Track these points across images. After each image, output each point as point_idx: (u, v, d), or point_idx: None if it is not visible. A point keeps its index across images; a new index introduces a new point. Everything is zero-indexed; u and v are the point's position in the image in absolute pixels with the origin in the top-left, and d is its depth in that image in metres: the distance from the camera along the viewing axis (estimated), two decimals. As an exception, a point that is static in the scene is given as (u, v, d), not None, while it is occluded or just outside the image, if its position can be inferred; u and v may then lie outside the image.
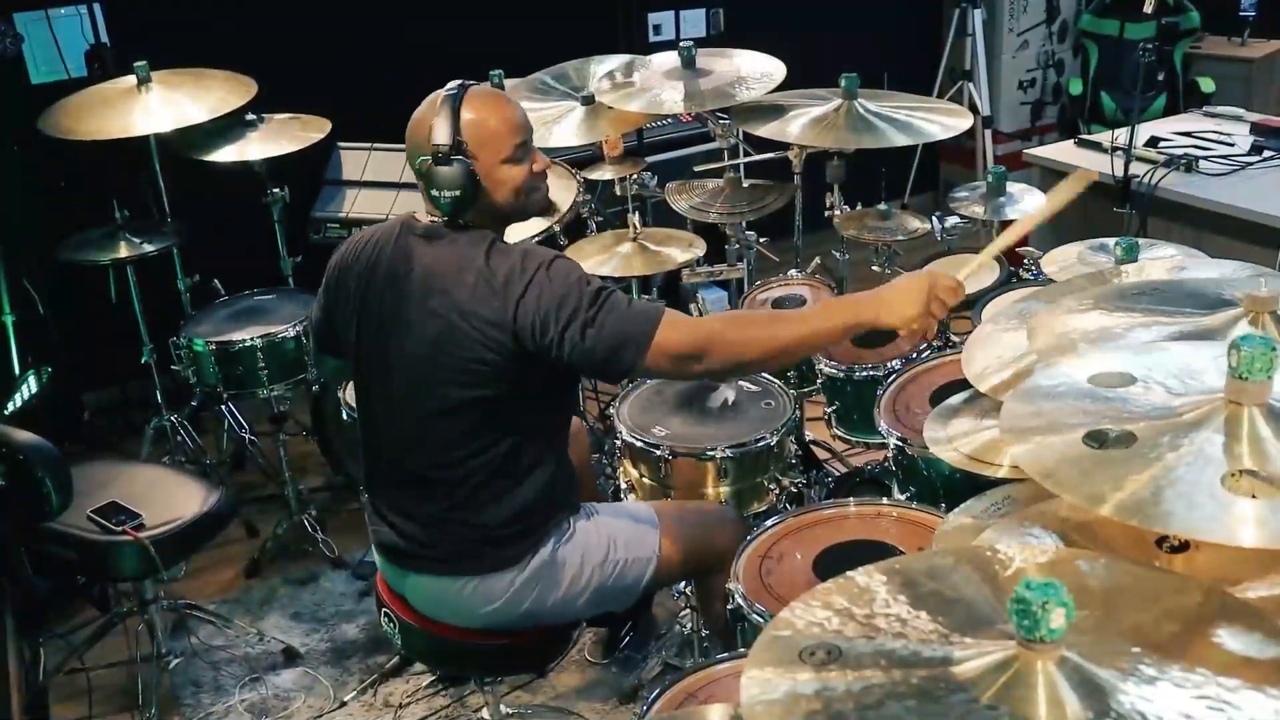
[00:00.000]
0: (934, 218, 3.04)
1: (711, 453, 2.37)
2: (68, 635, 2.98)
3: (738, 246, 3.19)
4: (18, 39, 3.62)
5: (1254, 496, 1.10)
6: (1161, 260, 2.14)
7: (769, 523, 2.09)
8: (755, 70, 2.89)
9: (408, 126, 1.97)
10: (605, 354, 1.83)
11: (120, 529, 2.46)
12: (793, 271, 3.20)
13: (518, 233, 2.45)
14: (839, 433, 2.71)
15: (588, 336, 1.82)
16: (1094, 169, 3.42)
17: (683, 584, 2.62)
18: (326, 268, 2.12)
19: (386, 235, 2.01)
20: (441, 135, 1.89)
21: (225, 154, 3.29)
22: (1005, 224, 3.15)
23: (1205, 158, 3.43)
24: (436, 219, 1.96)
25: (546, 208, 2.16)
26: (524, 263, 1.86)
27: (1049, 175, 3.75)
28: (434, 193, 1.91)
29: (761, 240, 3.18)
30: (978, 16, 5.10)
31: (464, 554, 1.99)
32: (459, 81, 1.95)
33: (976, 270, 2.03)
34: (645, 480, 2.47)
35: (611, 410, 2.64)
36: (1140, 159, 3.42)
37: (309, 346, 3.18)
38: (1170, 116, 4.35)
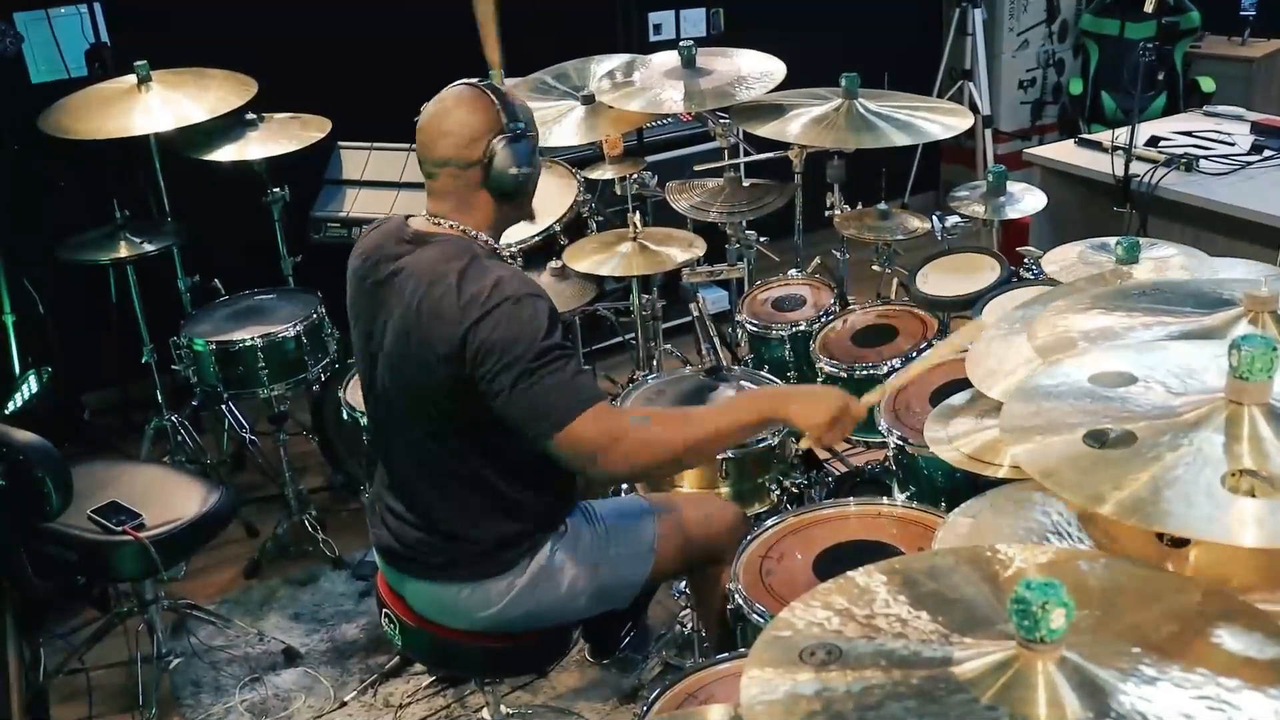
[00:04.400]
0: (934, 217, 3.04)
1: (711, 453, 2.36)
2: (68, 635, 2.99)
3: (738, 246, 3.19)
4: (18, 38, 3.62)
5: (1254, 496, 1.09)
6: (1162, 259, 2.14)
7: (769, 523, 2.09)
8: (755, 70, 2.89)
9: (441, 120, 1.89)
10: (521, 415, 1.76)
11: (120, 529, 2.46)
12: (793, 271, 3.21)
13: (519, 231, 2.46)
14: (839, 432, 2.70)
15: (515, 391, 1.75)
16: (1097, 167, 3.47)
17: (682, 584, 2.63)
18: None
19: (383, 236, 1.99)
20: (511, 114, 1.88)
21: (225, 153, 3.29)
22: (1007, 223, 3.16)
23: (1205, 157, 3.44)
24: (440, 219, 1.93)
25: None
26: (493, 291, 1.79)
27: (1049, 175, 3.75)
28: (511, 171, 1.88)
29: (761, 240, 3.18)
30: (978, 16, 5.10)
31: (460, 561, 1.99)
32: (463, 81, 1.93)
33: (878, 400, 2.05)
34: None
35: (611, 410, 2.64)
36: (1140, 158, 3.43)
37: (309, 346, 3.18)
38: (1170, 116, 4.36)
